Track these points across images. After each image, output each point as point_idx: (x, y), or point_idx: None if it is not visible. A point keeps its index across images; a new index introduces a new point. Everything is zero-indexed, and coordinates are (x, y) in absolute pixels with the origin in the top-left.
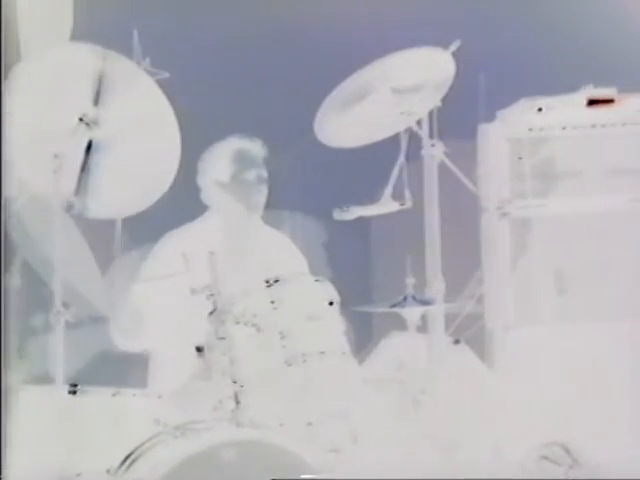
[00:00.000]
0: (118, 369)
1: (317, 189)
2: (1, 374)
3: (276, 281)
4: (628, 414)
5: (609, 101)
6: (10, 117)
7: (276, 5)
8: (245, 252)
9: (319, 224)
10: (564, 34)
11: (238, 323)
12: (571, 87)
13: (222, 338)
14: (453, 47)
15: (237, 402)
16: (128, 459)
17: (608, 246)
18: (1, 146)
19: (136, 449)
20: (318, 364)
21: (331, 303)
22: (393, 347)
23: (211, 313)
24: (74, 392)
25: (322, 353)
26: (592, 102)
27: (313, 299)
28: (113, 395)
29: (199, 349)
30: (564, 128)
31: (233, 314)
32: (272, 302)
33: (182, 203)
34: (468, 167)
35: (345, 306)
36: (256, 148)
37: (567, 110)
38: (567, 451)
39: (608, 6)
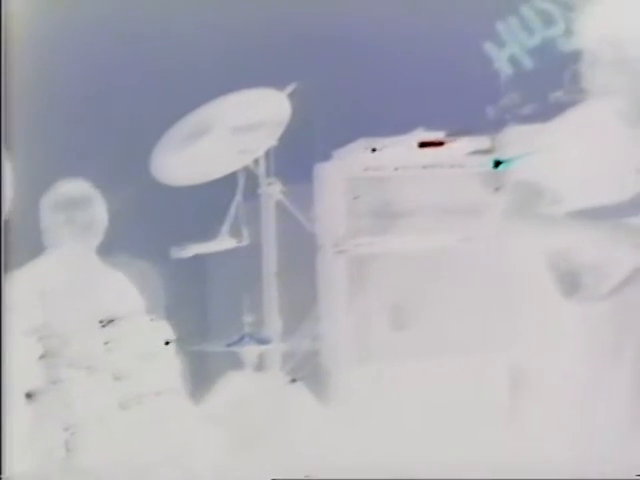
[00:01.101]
0: None
1: (153, 227)
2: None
3: (110, 321)
4: (465, 449)
5: (439, 144)
6: None
7: (109, 42)
8: (79, 292)
9: (155, 262)
10: (381, 80)
11: (71, 366)
12: (404, 129)
13: (54, 382)
14: (289, 89)
15: (68, 450)
16: None
17: (442, 283)
18: (1, 146)
19: None
20: (154, 405)
21: (167, 342)
22: (230, 386)
23: (42, 356)
24: None
25: (158, 393)
26: (423, 144)
27: (148, 339)
28: None
29: (29, 395)
30: (397, 169)
31: (66, 356)
32: (106, 343)
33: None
34: (305, 205)
35: (181, 345)
36: (86, 190)
37: (400, 151)
38: None
39: (439, 55)
